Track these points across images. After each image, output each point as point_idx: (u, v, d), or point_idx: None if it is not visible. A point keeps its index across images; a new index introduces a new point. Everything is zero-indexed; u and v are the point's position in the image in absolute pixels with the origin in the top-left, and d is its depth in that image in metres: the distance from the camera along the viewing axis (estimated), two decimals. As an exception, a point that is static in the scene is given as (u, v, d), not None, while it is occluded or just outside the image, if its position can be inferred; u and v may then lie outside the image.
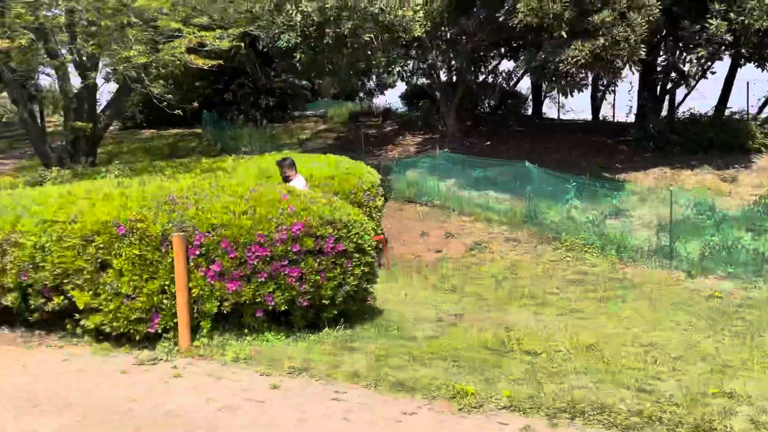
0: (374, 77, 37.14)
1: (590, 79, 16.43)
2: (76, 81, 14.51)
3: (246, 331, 5.80)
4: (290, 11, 12.41)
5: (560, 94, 18.30)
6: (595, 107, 24.23)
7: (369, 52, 13.34)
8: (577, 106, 26.40)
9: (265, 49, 16.96)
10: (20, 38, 8.99)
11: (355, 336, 6.02)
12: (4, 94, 41.21)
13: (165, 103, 10.54)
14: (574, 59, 12.42)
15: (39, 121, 17.21)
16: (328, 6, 11.91)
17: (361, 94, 39.35)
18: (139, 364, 5.24)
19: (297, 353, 5.42)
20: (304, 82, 24.29)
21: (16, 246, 5.91)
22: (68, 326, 6.04)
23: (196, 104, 14.40)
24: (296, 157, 11.46)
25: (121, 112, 17.36)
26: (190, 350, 5.48)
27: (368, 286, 6.54)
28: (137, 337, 5.64)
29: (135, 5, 9.17)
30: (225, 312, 5.67)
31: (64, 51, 14.18)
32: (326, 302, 5.99)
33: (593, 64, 12.75)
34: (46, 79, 34.22)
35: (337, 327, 6.11)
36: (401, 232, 12.11)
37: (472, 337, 6.28)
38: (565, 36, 12.43)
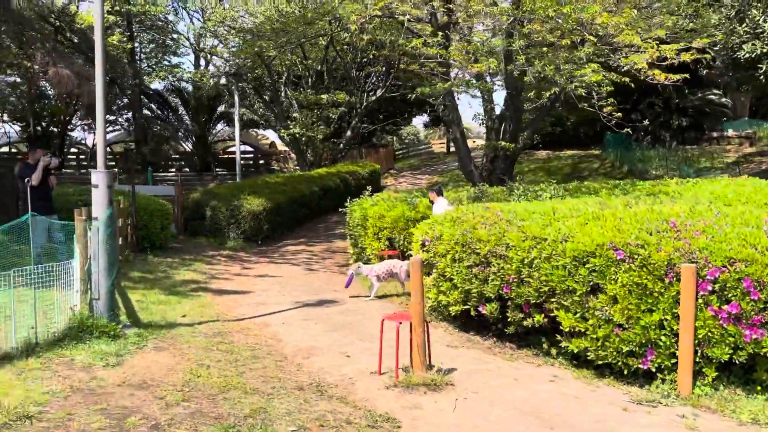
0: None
1: None
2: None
3: (758, 388, 4.87)
4: (756, 17, 10.78)
5: None
6: None
7: None
8: None
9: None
10: (488, 62, 9.78)
11: None
12: (418, 119, 47.30)
13: (613, 122, 10.20)
14: None
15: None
16: (818, 4, 9.92)
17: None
18: (636, 403, 4.79)
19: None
20: (723, 100, 21.53)
21: (501, 259, 6.12)
22: (543, 345, 6.01)
23: (646, 122, 13.64)
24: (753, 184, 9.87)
25: (538, 132, 17.87)
26: (690, 398, 4.81)
27: None
28: (625, 371, 5.23)
29: (598, 21, 9.05)
30: (735, 362, 4.83)
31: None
32: None
33: None
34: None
35: None
36: None
37: None
38: None
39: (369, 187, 13.00)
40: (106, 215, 5.93)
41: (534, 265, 5.74)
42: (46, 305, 5.68)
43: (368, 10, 9.98)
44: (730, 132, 21.75)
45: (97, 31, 5.99)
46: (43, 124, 30.63)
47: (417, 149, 46.44)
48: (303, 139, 25.15)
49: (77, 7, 22.74)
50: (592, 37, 9.54)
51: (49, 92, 28.03)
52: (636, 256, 5.08)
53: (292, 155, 33.27)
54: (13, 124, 31.85)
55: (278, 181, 19.40)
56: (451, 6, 12.15)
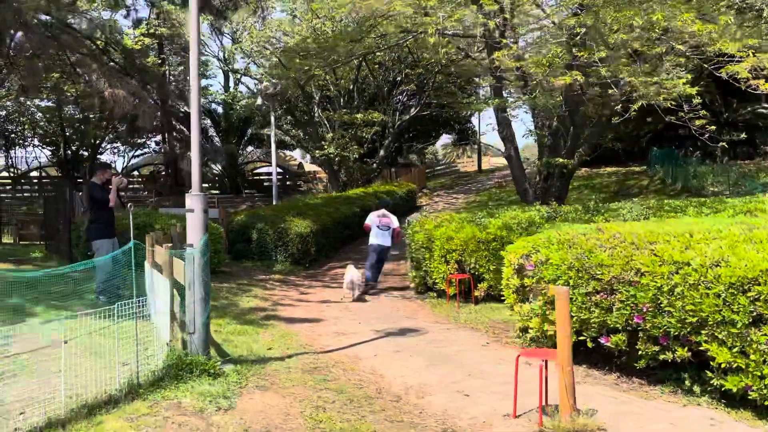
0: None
1: None
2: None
3: None
4: None
5: None
6: None
7: None
8: None
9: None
10: (573, 74, 9.32)
11: None
12: (444, 137, 46.91)
13: (706, 136, 9.66)
14: None
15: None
16: None
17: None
18: (828, 453, 4.19)
19: None
20: (774, 113, 20.91)
21: (631, 285, 5.56)
22: (685, 381, 5.42)
23: (744, 135, 12.98)
24: None
25: (596, 148, 17.35)
26: None
27: None
28: (798, 414, 4.63)
29: (691, 29, 8.54)
30: None
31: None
32: None
33: None
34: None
35: None
36: None
37: None
38: None
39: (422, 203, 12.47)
40: (202, 242, 5.46)
41: (676, 293, 5.18)
42: (146, 340, 5.20)
43: (441, 22, 9.61)
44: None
45: (193, 57, 5.60)
46: (73, 147, 30.63)
47: (439, 169, 46.16)
48: (336, 159, 24.79)
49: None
50: (681, 46, 9.03)
51: (79, 115, 28.00)
52: (811, 284, 4.51)
53: (320, 176, 33.00)
54: (44, 148, 31.90)
55: (318, 202, 19.00)
56: (507, 18, 11.77)
